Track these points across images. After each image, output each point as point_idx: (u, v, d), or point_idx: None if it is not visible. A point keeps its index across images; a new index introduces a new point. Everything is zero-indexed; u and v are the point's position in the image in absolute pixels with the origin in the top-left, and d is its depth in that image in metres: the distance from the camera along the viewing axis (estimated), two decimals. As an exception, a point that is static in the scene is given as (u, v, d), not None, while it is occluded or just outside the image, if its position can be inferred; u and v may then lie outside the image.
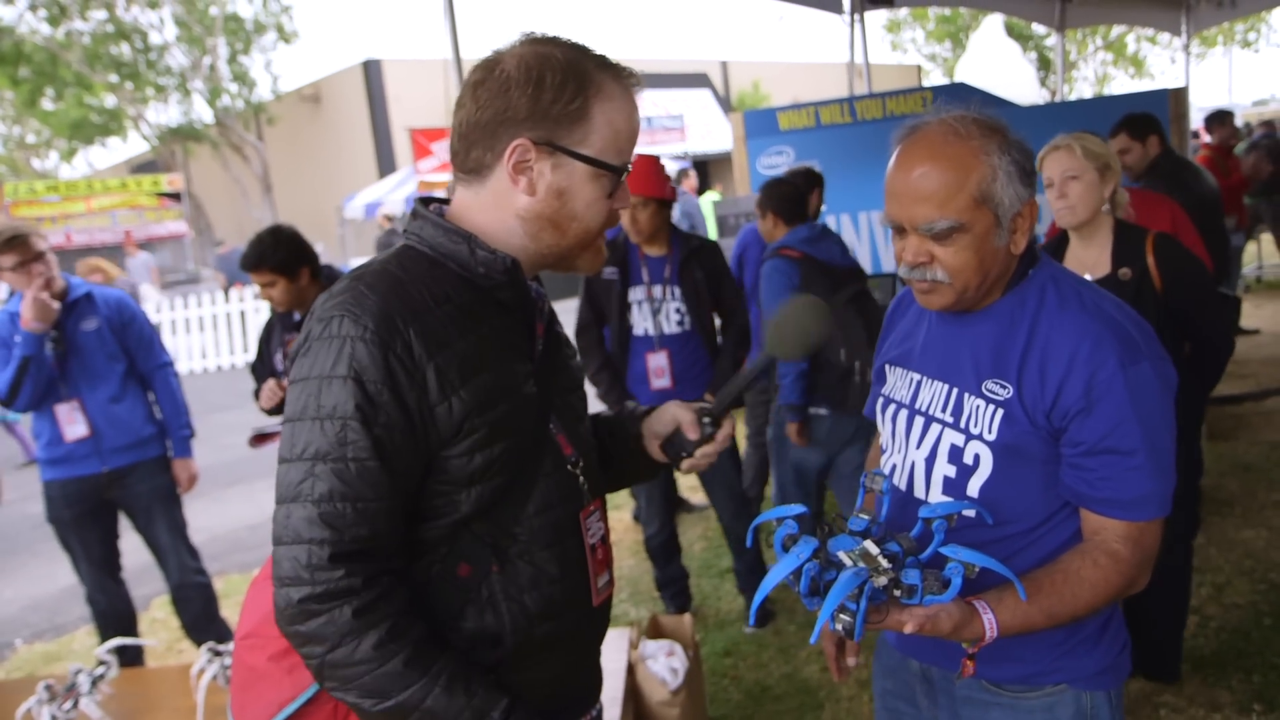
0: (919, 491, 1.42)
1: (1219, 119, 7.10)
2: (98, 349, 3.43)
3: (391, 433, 1.11)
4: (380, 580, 1.12)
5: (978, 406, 1.35)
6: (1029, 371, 1.31)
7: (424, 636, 1.15)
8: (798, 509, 1.27)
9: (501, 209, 1.21)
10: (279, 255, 3.01)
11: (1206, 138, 7.94)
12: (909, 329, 1.54)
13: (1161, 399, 1.28)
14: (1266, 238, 9.20)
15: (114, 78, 21.15)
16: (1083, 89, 23.39)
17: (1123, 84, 25.08)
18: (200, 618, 3.73)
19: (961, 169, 1.28)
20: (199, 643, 3.72)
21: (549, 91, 1.15)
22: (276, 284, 3.04)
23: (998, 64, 13.20)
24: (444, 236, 1.22)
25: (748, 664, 3.49)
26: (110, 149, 33.93)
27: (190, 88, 21.76)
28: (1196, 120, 10.42)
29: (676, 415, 1.38)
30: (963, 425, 1.37)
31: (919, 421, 1.44)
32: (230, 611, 3.90)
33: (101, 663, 2.69)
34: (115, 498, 3.54)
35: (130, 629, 3.71)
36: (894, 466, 1.48)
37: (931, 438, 1.41)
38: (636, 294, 3.51)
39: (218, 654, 2.62)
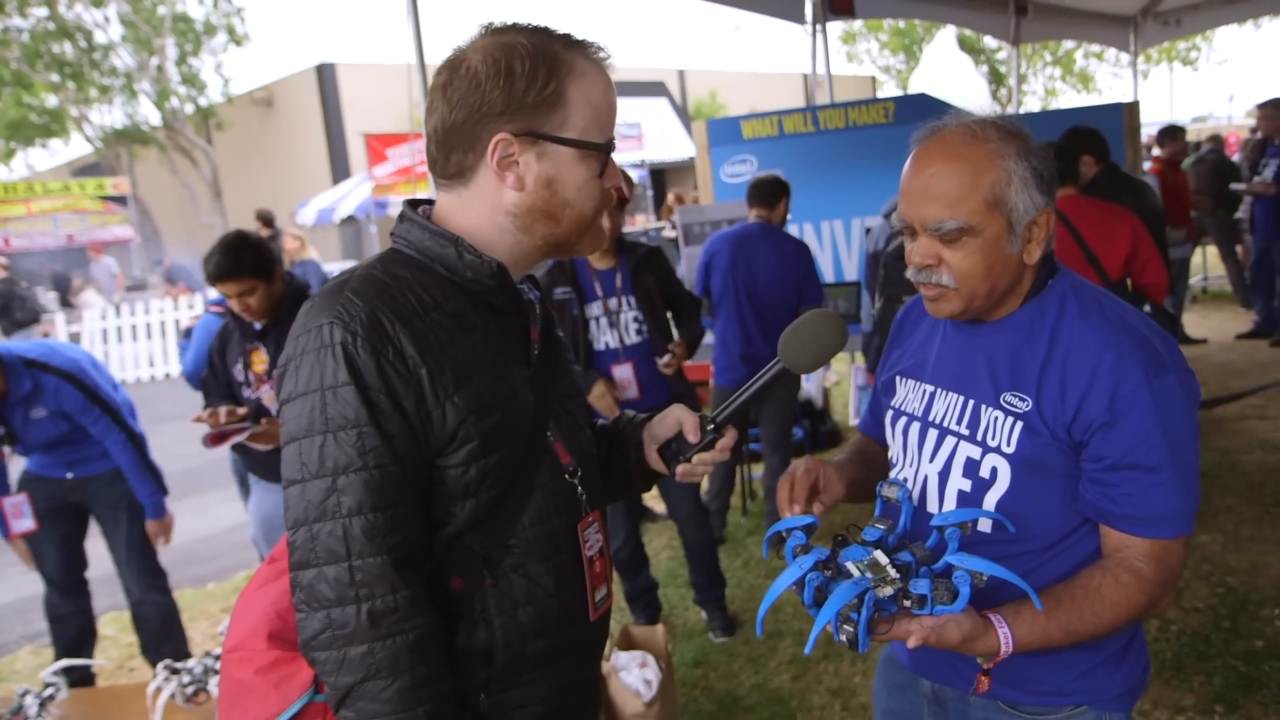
0: (932, 506, 1.39)
1: (1170, 134, 7.29)
2: (49, 432, 3.32)
3: (397, 438, 1.09)
4: (426, 611, 1.10)
5: (995, 419, 1.32)
6: (1049, 383, 1.28)
7: (449, 694, 1.13)
8: (807, 519, 1.24)
9: (490, 208, 1.18)
10: (255, 259, 2.88)
11: (1156, 151, 8.15)
12: (921, 340, 1.51)
13: (1187, 413, 1.25)
14: (1212, 249, 9.47)
15: (55, 77, 20.57)
16: (1030, 103, 23.92)
17: (1070, 99, 25.71)
18: (156, 636, 3.62)
19: (975, 170, 1.26)
20: (153, 661, 3.61)
21: (520, 80, 1.11)
22: (255, 290, 2.89)
23: (950, 76, 13.43)
24: (430, 239, 1.18)
25: (718, 674, 3.47)
26: (51, 151, 33.00)
27: (137, 89, 21.25)
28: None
29: (680, 417, 1.35)
30: (979, 438, 1.33)
31: (932, 434, 1.40)
32: (184, 627, 3.78)
33: (49, 684, 2.58)
34: (82, 501, 3.47)
35: (84, 645, 3.60)
36: (907, 481, 1.44)
37: (946, 451, 1.37)
38: (593, 310, 3.50)
39: (175, 672, 2.53)
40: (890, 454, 1.53)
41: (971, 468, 1.34)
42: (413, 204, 1.25)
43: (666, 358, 3.50)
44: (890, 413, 1.52)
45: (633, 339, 3.52)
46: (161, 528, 3.51)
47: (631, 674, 2.73)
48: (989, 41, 22.17)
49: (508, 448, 1.16)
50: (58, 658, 3.54)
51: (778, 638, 3.64)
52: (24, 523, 3.34)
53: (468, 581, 1.17)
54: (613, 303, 3.50)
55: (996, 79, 23.40)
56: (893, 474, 1.50)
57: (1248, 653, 3.15)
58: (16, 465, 3.49)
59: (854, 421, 5.47)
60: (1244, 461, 4.91)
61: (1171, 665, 3.12)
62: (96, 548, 3.60)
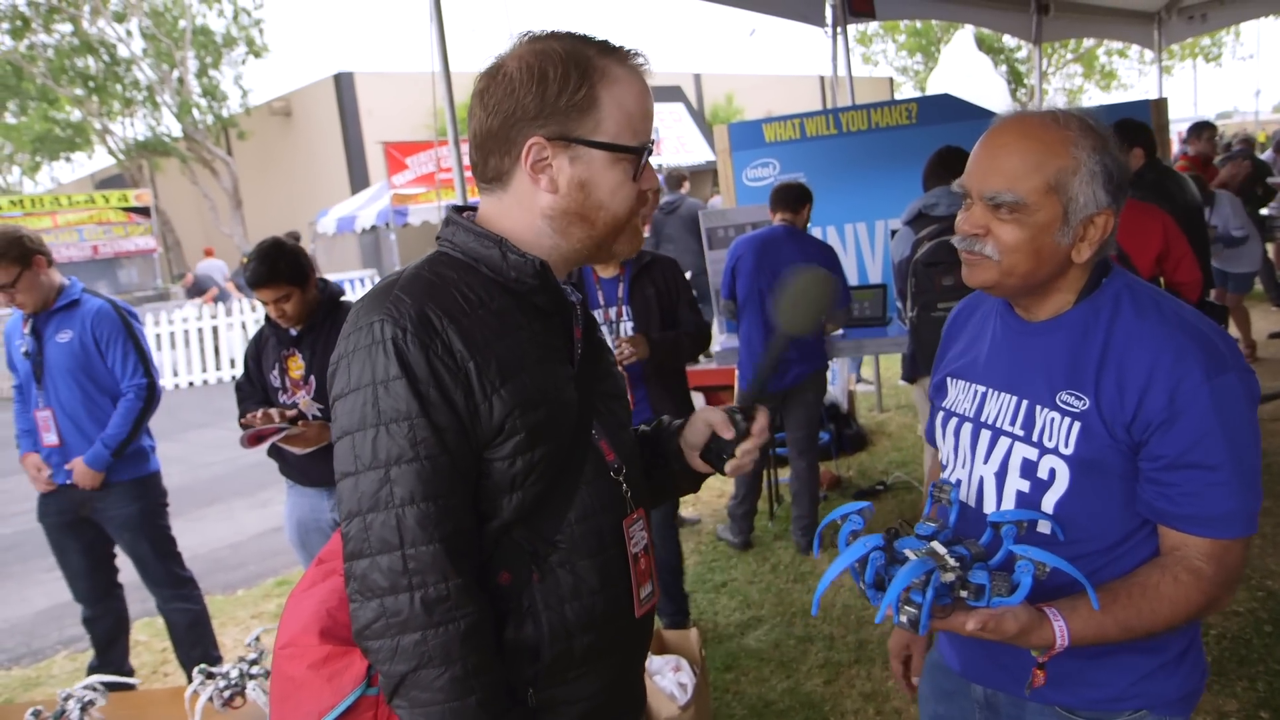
0: (989, 506, 1.37)
1: (1197, 131, 7.19)
2: (66, 363, 3.37)
3: (448, 430, 1.11)
4: (478, 601, 1.12)
5: (1052, 419, 1.30)
6: (1106, 382, 1.26)
7: (502, 681, 1.14)
8: (862, 504, 1.25)
9: (527, 211, 1.20)
10: (291, 266, 2.92)
11: (1177, 147, 8.05)
12: (971, 341, 1.50)
13: (1247, 411, 1.23)
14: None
15: (80, 91, 20.83)
16: (1054, 101, 23.76)
17: (1094, 96, 25.53)
18: (184, 640, 3.65)
19: (1045, 151, 1.26)
20: (185, 664, 3.65)
21: (553, 85, 1.14)
22: (291, 297, 2.93)
23: (969, 77, 13.34)
24: (475, 241, 1.21)
25: (749, 678, 3.45)
26: (75, 164, 33.37)
27: (158, 101, 21.47)
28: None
29: (708, 419, 1.36)
30: (1035, 439, 1.32)
31: (985, 435, 1.39)
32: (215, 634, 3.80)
33: (93, 688, 2.60)
34: (92, 515, 3.47)
35: (117, 642, 3.64)
36: (959, 482, 1.43)
37: (1001, 452, 1.36)
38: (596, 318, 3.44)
39: (211, 675, 2.54)
40: (941, 455, 1.52)
41: (1029, 468, 1.33)
42: (458, 209, 1.28)
43: (625, 349, 3.25)
44: (941, 414, 1.51)
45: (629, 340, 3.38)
46: (79, 475, 3.33)
47: (666, 678, 2.72)
48: (1008, 40, 22.05)
49: (553, 442, 1.18)
50: (96, 654, 3.61)
51: (808, 642, 3.62)
52: (50, 436, 3.41)
53: (515, 576, 1.18)
54: (612, 312, 3.43)
55: (1016, 78, 23.26)
56: (944, 474, 1.49)
57: (1290, 656, 3.11)
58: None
59: (920, 431, 5.42)
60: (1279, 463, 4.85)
61: (1213, 670, 3.07)
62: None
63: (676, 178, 8.86)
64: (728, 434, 1.33)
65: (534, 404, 1.15)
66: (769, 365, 1.35)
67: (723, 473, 1.36)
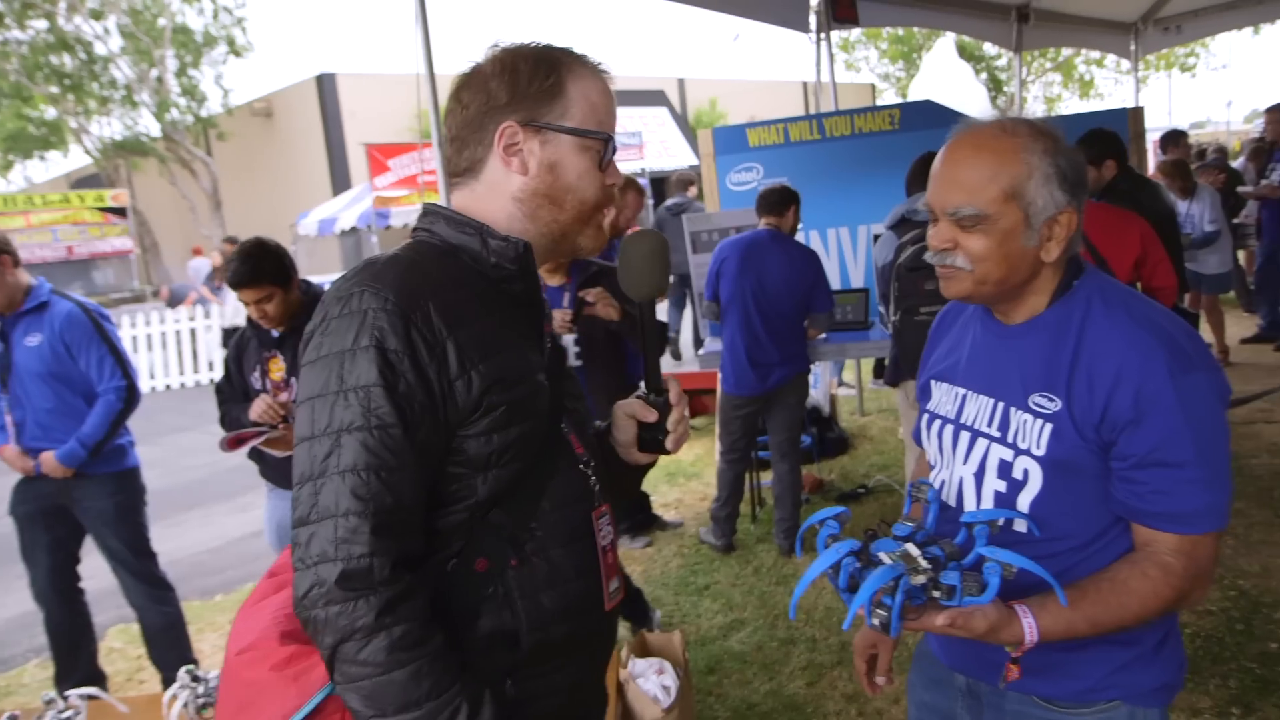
0: (969, 506, 1.41)
1: (1173, 139, 7.29)
2: (37, 367, 3.33)
3: (412, 402, 1.11)
4: (402, 578, 1.09)
5: (1025, 421, 1.34)
6: (1077, 383, 1.29)
7: (439, 652, 1.11)
8: (839, 509, 1.28)
9: (499, 196, 1.25)
10: (274, 266, 2.91)
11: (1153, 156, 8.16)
12: (954, 345, 1.54)
13: (1214, 409, 1.26)
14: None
15: (55, 89, 20.61)
16: (1032, 108, 24.00)
17: (1072, 105, 25.83)
18: (157, 645, 3.61)
19: (998, 162, 1.30)
20: (160, 667, 3.60)
21: (524, 75, 1.22)
22: (274, 297, 2.92)
23: (950, 84, 13.48)
24: (455, 229, 1.24)
25: (732, 681, 3.46)
26: (49, 163, 32.97)
27: (136, 100, 21.28)
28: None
29: (627, 411, 1.39)
30: (1010, 440, 1.35)
31: (965, 436, 1.43)
32: (192, 639, 3.76)
33: (74, 698, 2.57)
34: (69, 506, 3.42)
35: (81, 650, 3.59)
36: (942, 483, 1.47)
37: (979, 453, 1.40)
38: None
39: (196, 679, 2.52)
40: (928, 457, 1.55)
41: (1005, 469, 1.36)
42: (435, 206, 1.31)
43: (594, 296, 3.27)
44: (925, 416, 1.54)
45: (574, 361, 3.37)
46: (47, 460, 3.31)
47: (649, 681, 2.73)
48: (989, 48, 22.25)
49: (528, 422, 1.19)
50: (56, 663, 3.56)
51: (791, 644, 3.64)
52: (11, 444, 3.40)
53: (492, 563, 1.18)
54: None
55: (995, 86, 23.48)
56: (932, 475, 1.52)
57: (1263, 655, 3.16)
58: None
59: (901, 434, 5.44)
60: (1252, 465, 4.92)
61: (1187, 668, 3.11)
62: (92, 561, 3.58)
63: (684, 180, 8.90)
64: (650, 417, 1.36)
65: (511, 382, 1.17)
66: (647, 338, 1.37)
67: (667, 452, 1.38)
